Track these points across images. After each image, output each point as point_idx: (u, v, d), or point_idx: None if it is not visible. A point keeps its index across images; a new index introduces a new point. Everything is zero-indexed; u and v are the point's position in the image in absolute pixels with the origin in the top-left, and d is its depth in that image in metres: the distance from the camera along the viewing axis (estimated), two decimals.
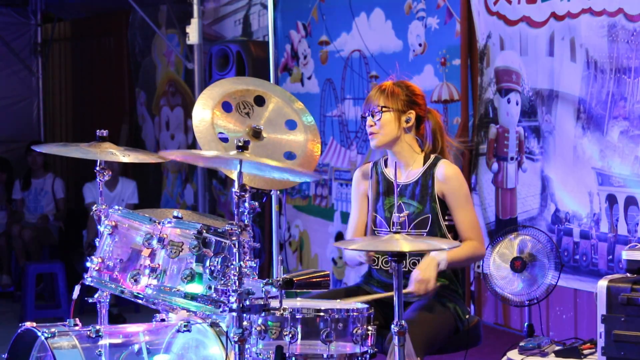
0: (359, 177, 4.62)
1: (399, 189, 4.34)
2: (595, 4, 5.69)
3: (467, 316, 4.46)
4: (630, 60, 5.50)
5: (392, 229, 3.76)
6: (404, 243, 3.62)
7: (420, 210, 4.38)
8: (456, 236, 4.40)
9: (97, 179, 4.42)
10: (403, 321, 3.63)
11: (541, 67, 6.15)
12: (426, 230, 4.35)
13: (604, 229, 5.73)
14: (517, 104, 6.40)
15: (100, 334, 4.13)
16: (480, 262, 5.03)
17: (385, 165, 4.55)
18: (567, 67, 5.94)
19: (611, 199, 5.67)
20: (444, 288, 4.40)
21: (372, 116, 4.42)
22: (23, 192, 9.74)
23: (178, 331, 4.20)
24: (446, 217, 4.39)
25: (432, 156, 4.44)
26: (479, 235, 4.41)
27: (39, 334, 4.07)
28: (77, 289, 4.28)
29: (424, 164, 4.43)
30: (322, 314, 3.76)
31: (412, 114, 4.43)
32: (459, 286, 4.48)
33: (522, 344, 4.64)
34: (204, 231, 3.90)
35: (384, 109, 4.39)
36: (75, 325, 4.16)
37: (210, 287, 3.86)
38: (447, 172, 4.39)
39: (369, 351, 3.83)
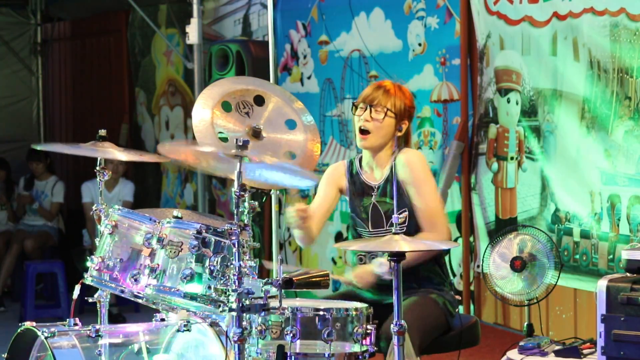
0: (332, 172, 4.60)
1: (376, 190, 4.39)
2: (597, 3, 5.69)
3: (457, 310, 4.44)
4: (632, 59, 5.50)
5: (392, 229, 3.75)
6: (403, 243, 3.63)
7: (393, 206, 4.35)
8: None
9: (97, 179, 4.42)
10: (403, 321, 3.64)
11: (544, 66, 6.14)
12: (406, 225, 4.19)
13: (605, 228, 5.73)
14: (517, 103, 6.39)
15: (100, 333, 4.13)
16: (480, 261, 5.03)
17: (360, 166, 4.54)
18: (570, 67, 5.93)
19: (613, 199, 5.66)
20: (431, 283, 4.38)
21: (371, 111, 4.37)
22: (26, 190, 9.72)
23: (178, 331, 4.20)
24: None
25: (397, 150, 4.41)
26: (436, 224, 4.29)
27: (39, 333, 4.07)
28: (77, 288, 4.29)
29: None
30: (322, 313, 3.77)
31: (405, 125, 4.43)
32: (446, 277, 4.46)
33: (522, 343, 4.64)
34: (204, 231, 3.90)
35: (389, 112, 4.37)
36: (75, 325, 4.17)
37: (210, 287, 3.86)
38: (403, 158, 4.35)
39: (368, 350, 3.83)
